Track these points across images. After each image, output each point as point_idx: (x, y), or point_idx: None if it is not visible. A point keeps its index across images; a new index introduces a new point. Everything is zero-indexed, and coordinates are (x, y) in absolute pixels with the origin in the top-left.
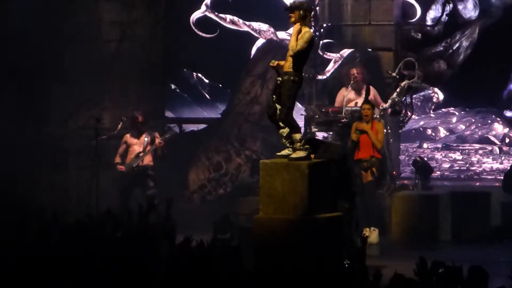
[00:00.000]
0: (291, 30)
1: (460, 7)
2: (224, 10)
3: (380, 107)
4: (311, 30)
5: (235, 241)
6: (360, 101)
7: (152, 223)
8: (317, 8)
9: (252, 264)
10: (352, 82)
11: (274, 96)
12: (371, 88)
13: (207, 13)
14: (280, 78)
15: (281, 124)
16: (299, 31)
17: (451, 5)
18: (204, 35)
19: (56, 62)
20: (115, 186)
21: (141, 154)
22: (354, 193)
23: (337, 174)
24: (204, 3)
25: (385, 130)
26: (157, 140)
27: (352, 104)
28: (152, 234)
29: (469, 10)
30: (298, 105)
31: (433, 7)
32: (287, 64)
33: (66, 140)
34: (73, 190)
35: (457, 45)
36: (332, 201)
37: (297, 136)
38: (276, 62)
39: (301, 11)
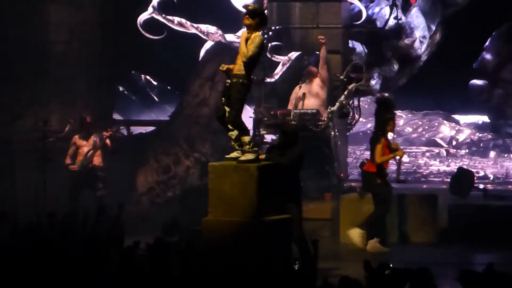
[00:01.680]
0: (239, 33)
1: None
2: (172, 12)
3: (328, 110)
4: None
5: (184, 244)
6: (309, 100)
7: (101, 229)
8: (266, 11)
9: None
10: (304, 76)
11: (223, 98)
12: (317, 80)
13: (154, 15)
14: (229, 81)
15: (230, 126)
16: (248, 38)
17: (399, 11)
18: (151, 36)
19: (2, 63)
20: (63, 188)
21: (89, 153)
22: (300, 196)
23: (287, 177)
24: (151, 4)
25: (333, 133)
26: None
27: (301, 104)
28: (101, 240)
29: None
30: (247, 107)
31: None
32: (237, 67)
33: (13, 143)
34: (21, 192)
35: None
36: (281, 204)
37: (246, 138)
38: (226, 66)
39: (261, 19)
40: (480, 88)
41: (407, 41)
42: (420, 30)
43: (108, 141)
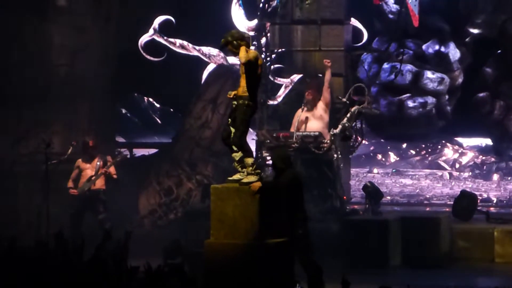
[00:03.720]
0: None
1: None
2: (173, 34)
3: (331, 132)
4: (261, 56)
5: (186, 266)
6: (312, 123)
7: (107, 254)
8: (268, 34)
9: None
10: (305, 101)
11: (229, 119)
12: (321, 104)
13: (155, 37)
14: (235, 102)
15: (234, 147)
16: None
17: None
18: (152, 58)
19: (5, 86)
20: (65, 211)
21: (93, 178)
22: (306, 217)
23: (289, 199)
24: (152, 26)
25: (335, 155)
26: (108, 164)
27: (304, 127)
28: (106, 263)
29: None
30: (250, 130)
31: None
32: (241, 89)
33: (16, 165)
34: (23, 215)
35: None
36: (284, 226)
37: (249, 160)
38: (233, 92)
39: (234, 42)
40: (483, 100)
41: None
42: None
43: (112, 169)
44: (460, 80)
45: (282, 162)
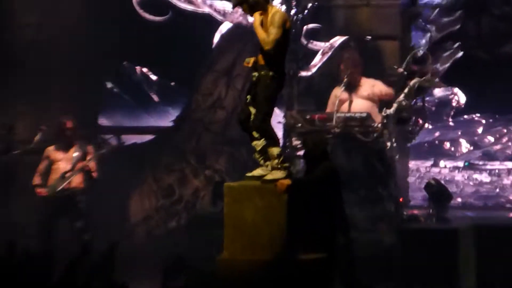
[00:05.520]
0: None
1: None
2: None
3: (383, 113)
4: (284, 10)
5: None
6: (357, 101)
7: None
8: None
9: None
10: (345, 76)
11: (248, 96)
12: (369, 80)
13: None
14: (256, 74)
15: (255, 134)
16: (263, 20)
17: None
18: (150, 17)
19: None
20: (31, 217)
21: (68, 174)
22: (348, 223)
23: (325, 200)
24: None
25: (389, 144)
26: (87, 159)
27: (346, 106)
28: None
29: None
30: (276, 110)
31: None
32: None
33: None
34: None
35: None
36: (320, 237)
37: (275, 150)
38: (252, 59)
39: (249, 0)
40: None
41: None
42: None
43: (92, 164)
44: None
45: (318, 150)
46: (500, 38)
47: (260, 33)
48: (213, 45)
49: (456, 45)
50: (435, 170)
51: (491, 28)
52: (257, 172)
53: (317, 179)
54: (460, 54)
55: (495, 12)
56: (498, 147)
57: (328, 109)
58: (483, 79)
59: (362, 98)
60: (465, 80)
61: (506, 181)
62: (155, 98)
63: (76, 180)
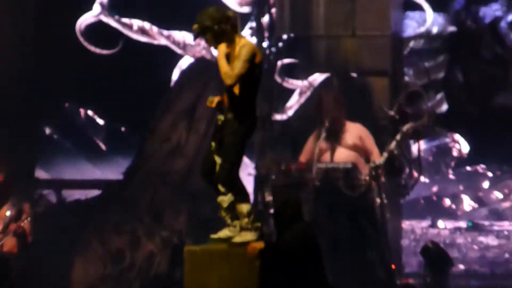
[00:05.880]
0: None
1: None
2: (130, 12)
3: (371, 164)
4: (255, 42)
5: None
6: (340, 150)
7: None
8: (273, 10)
9: None
10: (326, 120)
11: (212, 143)
12: (355, 126)
13: (102, 17)
14: (222, 117)
15: (220, 187)
16: (229, 52)
17: None
18: (97, 50)
19: None
20: None
21: None
22: None
23: (304, 267)
24: (97, 1)
25: (378, 200)
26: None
27: (327, 156)
28: None
29: None
30: (245, 159)
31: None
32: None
33: None
34: None
35: None
36: None
37: (244, 208)
38: (216, 98)
39: (215, 28)
40: None
41: None
42: None
43: (27, 225)
44: None
45: (288, 210)
46: (491, 87)
47: (223, 65)
48: (172, 83)
49: (439, 96)
50: (433, 231)
51: (481, 75)
52: (224, 233)
53: (285, 245)
54: (445, 107)
55: (485, 55)
56: (507, 204)
57: (303, 158)
58: (488, 124)
59: (346, 147)
60: (468, 123)
61: None
62: (102, 146)
63: (9, 244)
